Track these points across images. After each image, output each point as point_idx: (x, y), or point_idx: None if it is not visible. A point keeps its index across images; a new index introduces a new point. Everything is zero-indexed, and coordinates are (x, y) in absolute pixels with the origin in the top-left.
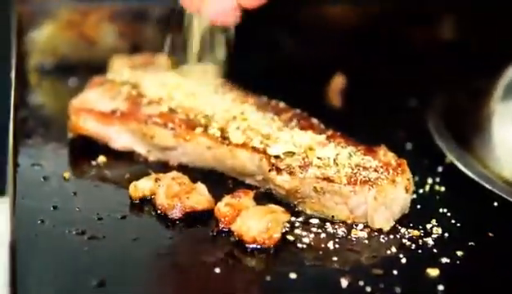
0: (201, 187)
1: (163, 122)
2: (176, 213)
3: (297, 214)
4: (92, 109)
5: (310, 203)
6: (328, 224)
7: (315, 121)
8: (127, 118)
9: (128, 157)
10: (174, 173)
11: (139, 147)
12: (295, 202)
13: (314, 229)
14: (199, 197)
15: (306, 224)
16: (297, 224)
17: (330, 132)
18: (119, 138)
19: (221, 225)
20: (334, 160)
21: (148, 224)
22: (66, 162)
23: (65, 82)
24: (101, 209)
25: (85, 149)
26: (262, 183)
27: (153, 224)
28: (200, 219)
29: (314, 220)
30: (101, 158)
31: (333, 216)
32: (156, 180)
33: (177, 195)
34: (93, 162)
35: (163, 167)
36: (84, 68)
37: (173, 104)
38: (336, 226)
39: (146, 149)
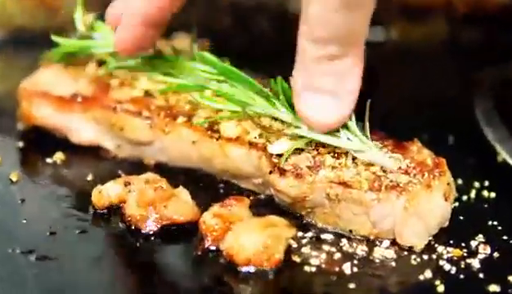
0: (183, 193)
1: (136, 109)
2: (150, 226)
3: (305, 228)
4: (48, 93)
5: (322, 214)
6: (344, 240)
7: None
8: (91, 104)
9: (92, 154)
10: (149, 175)
11: (106, 141)
12: (303, 213)
13: (326, 248)
14: (180, 205)
15: (316, 241)
16: (304, 242)
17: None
18: (82, 130)
19: (207, 243)
20: (354, 159)
21: (115, 240)
22: (15, 161)
23: (21, 59)
24: (54, 221)
25: (39, 144)
26: (262, 188)
27: (121, 240)
28: (182, 234)
29: (327, 236)
30: (59, 155)
31: (351, 231)
32: (126, 183)
33: (151, 203)
34: (48, 160)
35: (137, 166)
36: (44, 41)
37: (151, 87)
38: (355, 244)
39: (116, 143)
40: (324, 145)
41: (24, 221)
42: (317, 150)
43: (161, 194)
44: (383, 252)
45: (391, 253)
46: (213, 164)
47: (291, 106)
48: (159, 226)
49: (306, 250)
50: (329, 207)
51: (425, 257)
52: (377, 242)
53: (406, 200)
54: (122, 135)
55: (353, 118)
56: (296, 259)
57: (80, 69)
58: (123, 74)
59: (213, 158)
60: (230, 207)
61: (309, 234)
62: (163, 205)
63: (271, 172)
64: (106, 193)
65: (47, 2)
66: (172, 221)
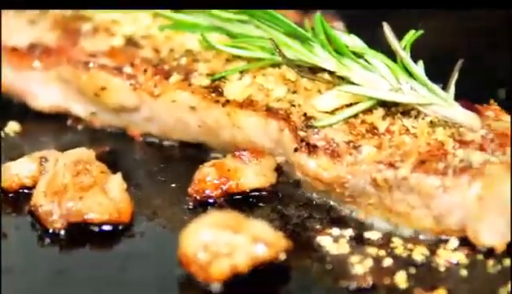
0: (115, 183)
1: (116, 64)
2: (55, 223)
3: (343, 223)
4: None
5: (366, 206)
6: (396, 240)
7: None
8: (55, 58)
9: (56, 123)
10: (83, 151)
11: (76, 107)
12: (340, 204)
13: (373, 251)
14: (102, 200)
15: (358, 242)
16: (342, 242)
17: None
18: (43, 92)
19: (193, 195)
20: (408, 130)
21: (17, 239)
22: None
23: None
24: None
25: None
26: (286, 167)
27: (25, 239)
28: (101, 238)
29: (372, 235)
30: (13, 126)
31: (404, 228)
32: (42, 160)
33: (62, 192)
34: None
35: (118, 140)
36: None
37: (134, 32)
38: (410, 245)
39: (88, 109)
40: (371, 110)
41: None
42: (359, 118)
43: (80, 181)
44: (449, 257)
45: (461, 258)
46: (219, 137)
47: (336, 51)
48: (65, 224)
49: (344, 254)
50: (376, 197)
51: (508, 263)
52: (441, 243)
53: (481, 186)
54: (97, 99)
55: (420, 63)
56: (330, 267)
57: (41, 11)
58: (98, 15)
59: (219, 128)
60: (238, 159)
61: (349, 232)
62: (79, 196)
63: (296, 150)
64: (13, 172)
65: None
66: (84, 220)
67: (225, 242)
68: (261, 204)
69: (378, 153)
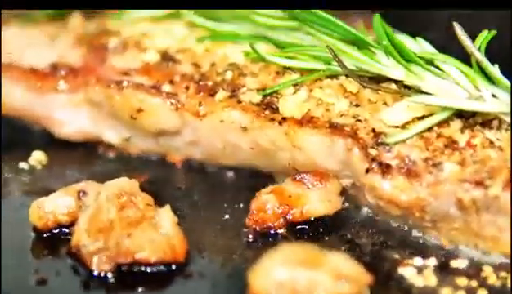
0: (165, 217)
1: (152, 82)
2: (101, 265)
3: (425, 252)
4: (14, 66)
5: (450, 231)
6: (487, 268)
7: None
8: (82, 78)
9: (86, 152)
10: (125, 182)
11: (108, 133)
12: (417, 230)
13: (463, 282)
14: (154, 237)
15: (445, 272)
16: (427, 273)
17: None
18: (70, 118)
19: (251, 225)
20: (492, 142)
21: (58, 285)
22: None
23: None
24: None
25: (9, 142)
26: (353, 191)
27: (67, 285)
28: (152, 282)
29: (460, 263)
30: (38, 157)
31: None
32: (80, 194)
33: (108, 229)
34: (23, 165)
35: (156, 167)
36: None
37: (168, 46)
38: (504, 273)
39: (122, 135)
40: (447, 122)
41: None
42: (436, 132)
43: (126, 216)
44: None
45: None
46: (275, 160)
47: (402, 55)
48: (112, 266)
49: (432, 287)
50: (460, 220)
51: None
52: None
53: None
54: (133, 122)
55: (496, 66)
56: None
57: (59, 24)
58: (125, 28)
59: (275, 150)
60: (300, 184)
61: (432, 261)
62: (127, 233)
63: (368, 171)
64: (48, 210)
65: None
66: (135, 261)
67: (303, 281)
68: (327, 233)
69: (462, 171)
